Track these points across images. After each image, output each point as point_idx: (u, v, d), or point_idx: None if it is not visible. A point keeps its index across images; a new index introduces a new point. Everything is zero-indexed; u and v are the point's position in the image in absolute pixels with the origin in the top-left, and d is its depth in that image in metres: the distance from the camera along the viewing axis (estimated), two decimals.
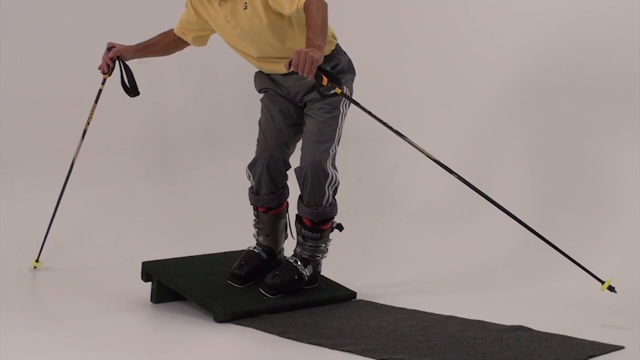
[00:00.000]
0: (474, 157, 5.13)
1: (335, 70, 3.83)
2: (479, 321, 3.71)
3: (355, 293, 4.05)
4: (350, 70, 3.96)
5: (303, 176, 3.89)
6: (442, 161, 3.70)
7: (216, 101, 5.58)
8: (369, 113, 3.68)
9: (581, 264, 3.73)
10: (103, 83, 4.35)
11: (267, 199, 4.05)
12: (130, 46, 4.20)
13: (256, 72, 4.08)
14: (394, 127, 3.72)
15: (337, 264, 4.34)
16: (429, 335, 3.55)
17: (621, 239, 4.53)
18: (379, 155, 5.28)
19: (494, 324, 3.67)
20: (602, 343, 3.45)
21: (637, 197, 4.64)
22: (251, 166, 4.05)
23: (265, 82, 4.03)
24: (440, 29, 5.36)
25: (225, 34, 3.93)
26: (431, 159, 3.71)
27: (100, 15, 5.48)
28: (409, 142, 3.71)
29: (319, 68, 3.56)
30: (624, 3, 4.84)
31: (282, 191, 4.08)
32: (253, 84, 4.11)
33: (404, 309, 3.89)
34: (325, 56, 3.73)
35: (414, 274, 4.44)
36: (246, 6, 3.78)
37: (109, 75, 4.27)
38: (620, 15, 4.85)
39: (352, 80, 3.98)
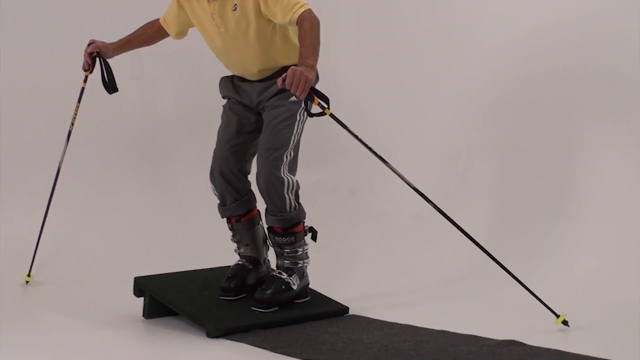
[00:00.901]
0: (452, 162, 5.18)
1: None
2: (471, 336, 3.70)
3: (348, 308, 4.04)
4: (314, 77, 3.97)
5: (259, 185, 3.92)
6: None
7: (209, 111, 5.54)
8: (354, 135, 3.74)
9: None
10: (85, 81, 4.32)
11: (234, 207, 4.07)
12: (112, 43, 4.20)
13: (221, 78, 4.09)
14: (377, 150, 3.79)
15: (329, 278, 4.34)
16: (421, 350, 3.54)
17: (599, 250, 4.54)
18: (371, 169, 5.27)
19: (487, 338, 3.66)
20: (595, 357, 3.44)
21: (612, 209, 4.67)
22: (210, 177, 4.09)
23: (228, 89, 4.05)
24: (423, 38, 5.37)
25: (205, 32, 3.94)
26: (405, 181, 3.79)
27: (82, 13, 5.46)
28: (389, 167, 3.79)
29: (311, 88, 3.61)
30: (613, 7, 4.82)
31: (248, 197, 4.09)
32: None
33: (397, 323, 3.88)
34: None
35: (407, 287, 4.43)
36: (236, 7, 3.80)
37: (90, 73, 4.25)
38: (603, 23, 4.84)
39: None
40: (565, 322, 3.78)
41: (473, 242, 3.84)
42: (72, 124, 4.44)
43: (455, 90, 5.23)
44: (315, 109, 3.71)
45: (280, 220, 3.94)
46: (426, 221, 4.98)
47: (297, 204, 3.96)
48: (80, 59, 4.23)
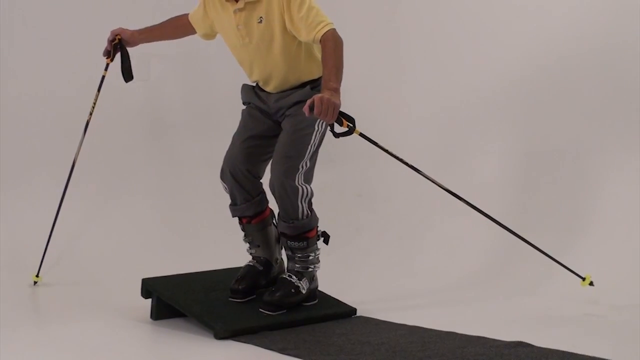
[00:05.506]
0: (462, 156, 5.19)
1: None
2: (479, 337, 3.70)
3: (355, 309, 4.04)
4: None
5: (273, 192, 3.91)
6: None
7: (218, 113, 5.57)
8: (386, 150, 3.77)
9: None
10: (106, 69, 4.23)
11: (244, 207, 4.05)
12: (136, 31, 4.15)
13: (243, 85, 4.08)
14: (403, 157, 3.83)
15: (336, 280, 4.34)
16: (429, 351, 3.54)
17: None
18: (377, 171, 5.28)
19: (494, 340, 3.66)
20: (603, 359, 3.44)
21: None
22: (221, 175, 4.06)
23: (250, 95, 4.03)
24: (437, 30, 5.39)
25: (230, 41, 3.93)
26: (443, 188, 3.86)
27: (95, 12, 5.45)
28: (424, 176, 3.84)
29: (339, 112, 3.59)
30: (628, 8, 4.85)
31: (259, 198, 4.06)
32: None
33: (404, 325, 3.89)
34: (313, 80, 3.85)
35: (414, 289, 4.43)
36: (261, 20, 3.78)
37: (111, 60, 4.18)
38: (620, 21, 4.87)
39: None
40: (591, 283, 3.95)
41: (495, 222, 3.92)
42: (91, 113, 4.32)
43: (467, 90, 5.23)
44: (341, 129, 3.68)
45: (291, 227, 3.94)
46: (433, 223, 5.00)
47: (309, 212, 3.96)
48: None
